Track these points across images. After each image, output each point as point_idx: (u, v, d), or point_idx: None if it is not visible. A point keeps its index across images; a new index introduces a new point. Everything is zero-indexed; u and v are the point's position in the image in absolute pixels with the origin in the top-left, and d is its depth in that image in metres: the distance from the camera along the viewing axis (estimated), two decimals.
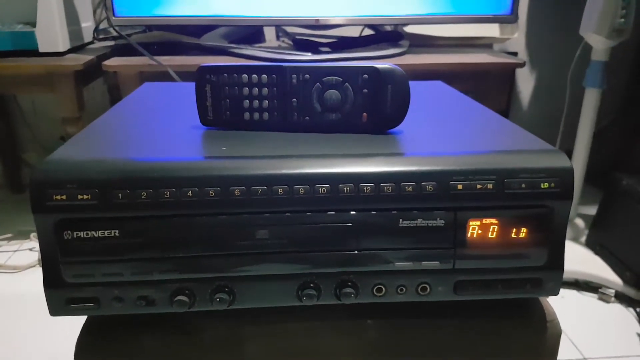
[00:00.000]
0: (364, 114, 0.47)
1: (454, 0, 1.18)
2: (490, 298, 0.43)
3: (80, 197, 0.37)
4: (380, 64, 0.46)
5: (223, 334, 0.44)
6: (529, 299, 0.47)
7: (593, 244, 1.24)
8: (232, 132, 0.47)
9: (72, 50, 1.22)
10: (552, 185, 0.40)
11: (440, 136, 0.48)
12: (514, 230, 0.41)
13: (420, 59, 1.17)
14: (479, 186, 0.40)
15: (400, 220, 0.40)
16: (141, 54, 1.10)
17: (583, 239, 1.28)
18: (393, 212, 0.40)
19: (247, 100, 0.47)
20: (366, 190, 0.39)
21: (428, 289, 0.42)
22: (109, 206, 0.37)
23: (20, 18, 1.24)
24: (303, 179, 0.39)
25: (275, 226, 0.39)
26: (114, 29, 1.16)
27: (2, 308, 1.08)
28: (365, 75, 0.46)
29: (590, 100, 1.16)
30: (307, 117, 0.47)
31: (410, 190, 0.39)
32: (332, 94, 0.47)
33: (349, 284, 0.41)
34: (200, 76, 0.47)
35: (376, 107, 0.46)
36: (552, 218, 0.41)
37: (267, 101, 0.47)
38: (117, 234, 0.38)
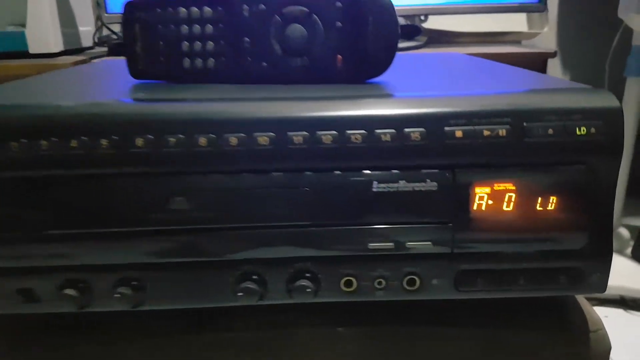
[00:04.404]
0: (339, 56, 0.36)
1: None
2: (507, 297, 0.30)
3: None
4: None
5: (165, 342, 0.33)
6: (565, 301, 0.35)
7: None
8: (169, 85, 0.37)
9: (68, 53, 1.16)
10: (593, 131, 0.28)
11: (438, 85, 0.36)
12: (539, 199, 0.29)
13: (440, 50, 1.06)
14: (486, 133, 0.28)
15: (375, 183, 0.28)
16: None
17: (629, 250, 1.13)
18: (364, 171, 0.28)
19: (187, 42, 0.37)
20: (326, 140, 0.28)
21: (417, 283, 0.30)
22: None
23: (12, 20, 1.19)
24: (238, 124, 0.28)
25: (199, 192, 0.28)
26: (106, 26, 1.09)
27: None
28: (339, 4, 0.35)
29: (633, 90, 1.03)
30: (264, 63, 0.36)
31: (388, 139, 0.28)
32: (296, 29, 0.36)
33: (307, 274, 0.30)
34: (127, 16, 0.37)
35: (354, 48, 0.35)
36: (595, 180, 0.29)
37: (211, 42, 0.36)
38: None
